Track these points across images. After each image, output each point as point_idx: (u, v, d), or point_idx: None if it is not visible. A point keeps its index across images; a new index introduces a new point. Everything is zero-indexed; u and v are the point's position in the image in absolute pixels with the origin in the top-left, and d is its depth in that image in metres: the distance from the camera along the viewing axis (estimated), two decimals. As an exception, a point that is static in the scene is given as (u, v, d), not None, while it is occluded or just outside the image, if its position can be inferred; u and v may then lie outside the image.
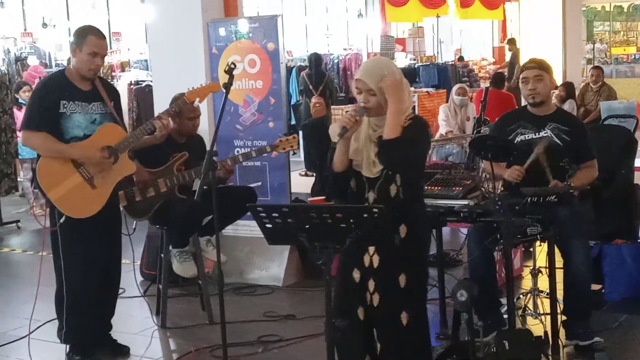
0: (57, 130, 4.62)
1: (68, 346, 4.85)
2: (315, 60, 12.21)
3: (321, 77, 11.68)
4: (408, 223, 3.59)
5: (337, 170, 3.68)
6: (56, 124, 4.62)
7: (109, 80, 11.32)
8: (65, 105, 4.63)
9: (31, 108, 4.73)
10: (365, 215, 3.10)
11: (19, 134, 8.05)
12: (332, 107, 12.47)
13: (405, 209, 3.59)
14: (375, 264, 3.62)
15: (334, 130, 3.66)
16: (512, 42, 18.39)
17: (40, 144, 4.67)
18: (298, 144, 5.68)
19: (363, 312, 3.69)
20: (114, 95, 4.96)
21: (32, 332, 5.19)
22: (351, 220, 3.09)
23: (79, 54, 4.66)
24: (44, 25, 13.51)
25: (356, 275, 3.69)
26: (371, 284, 3.64)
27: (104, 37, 4.78)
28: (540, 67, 4.83)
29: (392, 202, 3.57)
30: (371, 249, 3.62)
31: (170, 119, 5.09)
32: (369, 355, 3.73)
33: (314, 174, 10.46)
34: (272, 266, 6.46)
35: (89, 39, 4.64)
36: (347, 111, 3.63)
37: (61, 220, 4.64)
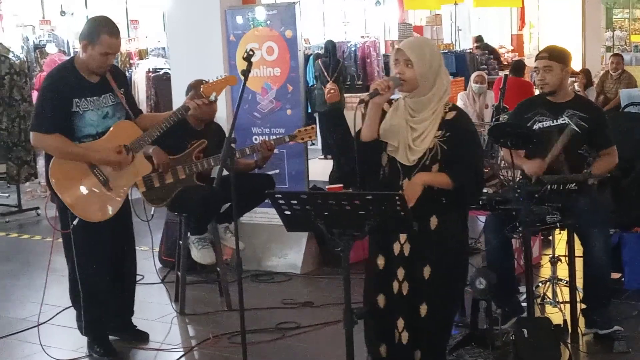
0: (70, 129, 4.46)
1: (87, 339, 4.86)
2: (331, 47, 12.22)
3: (336, 64, 11.73)
4: (439, 215, 3.56)
5: (365, 139, 3.59)
6: (68, 123, 4.45)
7: (128, 69, 11.43)
8: (78, 104, 4.46)
9: (42, 108, 4.49)
10: (386, 202, 3.09)
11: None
12: (348, 94, 12.49)
13: (438, 201, 3.55)
14: (406, 252, 3.60)
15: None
16: None
17: (54, 147, 4.47)
18: (316, 134, 5.67)
19: (384, 299, 3.66)
20: (124, 82, 4.81)
21: (51, 319, 5.24)
22: (370, 207, 3.08)
23: (90, 50, 4.43)
24: (62, 13, 13.50)
25: (380, 262, 3.67)
26: (400, 273, 3.61)
27: (118, 33, 4.51)
28: (551, 57, 4.77)
29: (425, 191, 3.53)
30: (402, 237, 3.58)
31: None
32: (385, 344, 3.70)
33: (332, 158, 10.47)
34: (290, 253, 6.47)
35: (102, 39, 4.40)
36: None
37: (74, 223, 4.52)
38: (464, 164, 3.55)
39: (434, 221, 3.57)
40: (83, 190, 4.50)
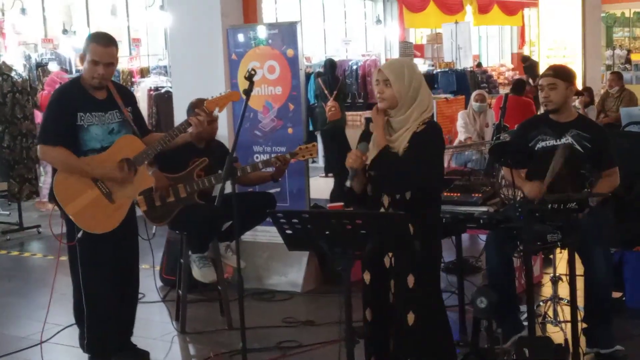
0: (74, 143, 4.54)
1: (88, 356, 4.86)
2: (330, 65, 12.29)
3: (336, 81, 11.80)
4: (415, 225, 3.60)
5: (358, 191, 3.82)
6: (73, 137, 4.54)
7: (129, 86, 11.45)
8: (82, 118, 4.55)
9: (47, 121, 4.65)
10: (386, 222, 3.11)
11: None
12: (350, 112, 12.55)
13: (415, 211, 3.61)
14: (393, 263, 3.71)
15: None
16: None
17: (58, 160, 4.58)
18: (317, 152, 5.69)
19: (370, 313, 3.78)
20: (130, 100, 4.88)
21: (52, 337, 5.23)
22: (371, 227, 3.09)
23: (84, 63, 4.58)
24: (65, 31, 13.57)
25: (366, 277, 3.78)
26: (392, 284, 3.72)
27: (108, 45, 4.59)
28: (555, 75, 4.79)
29: (405, 205, 3.65)
30: None
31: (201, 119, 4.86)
32: (374, 356, 3.81)
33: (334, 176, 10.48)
34: (291, 272, 6.46)
35: (91, 47, 4.54)
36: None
37: (79, 235, 4.57)
38: (416, 158, 3.67)
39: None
40: (86, 202, 4.55)
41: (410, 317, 3.66)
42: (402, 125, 3.75)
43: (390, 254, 3.70)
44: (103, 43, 4.58)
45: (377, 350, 3.82)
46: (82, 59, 4.62)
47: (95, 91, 4.64)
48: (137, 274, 5.00)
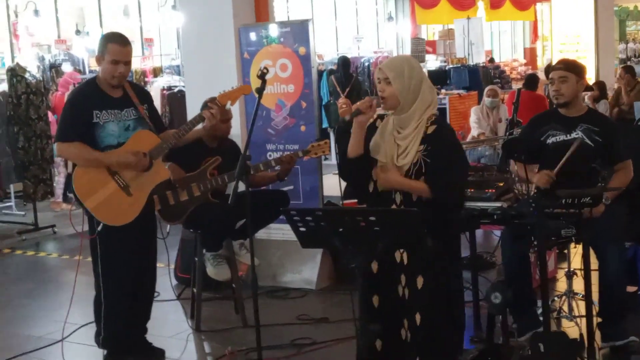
0: (91, 140, 4.63)
1: (105, 351, 4.90)
2: (343, 63, 12.30)
3: (349, 79, 11.79)
4: (429, 226, 3.59)
5: (351, 155, 3.77)
6: (90, 134, 4.63)
7: (140, 85, 11.49)
8: (98, 115, 4.64)
9: (64, 119, 4.75)
10: (399, 218, 3.11)
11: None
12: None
13: (429, 212, 3.57)
14: (406, 261, 3.67)
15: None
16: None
17: (75, 154, 4.69)
18: (329, 149, 5.69)
19: (378, 300, 3.76)
20: (146, 98, 4.96)
21: (68, 336, 5.27)
22: (385, 224, 3.09)
23: (102, 62, 4.67)
24: (78, 32, 13.63)
25: (374, 266, 3.74)
26: (403, 279, 3.69)
27: (126, 44, 4.71)
28: (566, 68, 4.78)
29: (418, 204, 3.61)
30: None
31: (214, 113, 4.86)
32: (379, 339, 3.77)
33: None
34: (305, 269, 6.47)
35: (110, 47, 4.63)
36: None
37: (99, 228, 4.66)
38: (444, 173, 3.63)
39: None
40: (105, 196, 4.63)
41: (418, 318, 3.65)
42: (407, 124, 3.71)
43: (401, 250, 3.67)
44: (122, 42, 4.68)
45: (387, 335, 3.77)
46: (98, 60, 4.70)
47: (111, 90, 4.72)
48: (154, 271, 5.05)
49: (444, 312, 3.71)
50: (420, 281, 3.64)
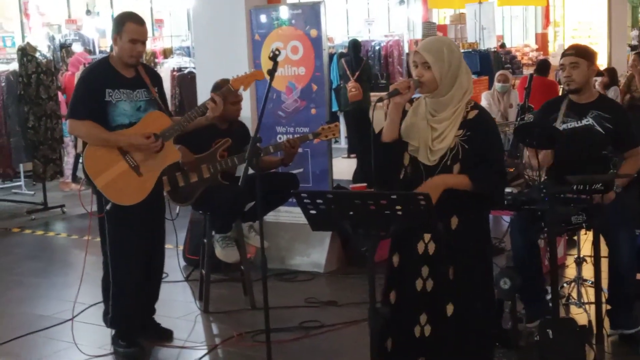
0: (103, 118, 4.63)
1: (113, 331, 4.92)
2: (354, 46, 12.24)
3: (359, 62, 11.73)
4: (460, 215, 3.54)
5: (386, 139, 3.58)
6: (102, 112, 4.63)
7: (152, 67, 11.49)
8: (111, 94, 4.64)
9: (76, 97, 4.74)
10: (411, 202, 3.08)
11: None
12: (372, 93, 12.46)
13: (459, 200, 3.50)
14: (431, 251, 3.57)
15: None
16: None
17: (86, 133, 4.68)
18: (339, 131, 5.68)
19: (395, 295, 3.65)
20: (158, 81, 4.97)
21: (77, 315, 5.29)
22: (396, 207, 3.07)
23: (119, 42, 4.65)
24: (88, 12, 13.63)
25: (395, 259, 3.66)
26: (425, 270, 3.58)
27: (143, 23, 4.74)
28: (577, 53, 4.73)
29: (447, 191, 3.48)
30: (427, 236, 3.56)
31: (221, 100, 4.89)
32: (391, 338, 3.66)
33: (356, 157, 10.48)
34: (314, 252, 6.48)
35: (128, 26, 4.63)
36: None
37: (107, 207, 4.67)
38: (486, 165, 3.52)
39: (454, 221, 3.55)
40: (115, 175, 4.63)
41: (450, 308, 3.54)
42: (443, 108, 3.53)
43: (426, 240, 3.57)
44: (139, 22, 4.71)
45: (396, 334, 3.66)
46: (115, 40, 4.68)
47: (124, 69, 4.72)
48: (162, 252, 5.06)
49: (480, 297, 3.61)
50: (451, 271, 3.53)
